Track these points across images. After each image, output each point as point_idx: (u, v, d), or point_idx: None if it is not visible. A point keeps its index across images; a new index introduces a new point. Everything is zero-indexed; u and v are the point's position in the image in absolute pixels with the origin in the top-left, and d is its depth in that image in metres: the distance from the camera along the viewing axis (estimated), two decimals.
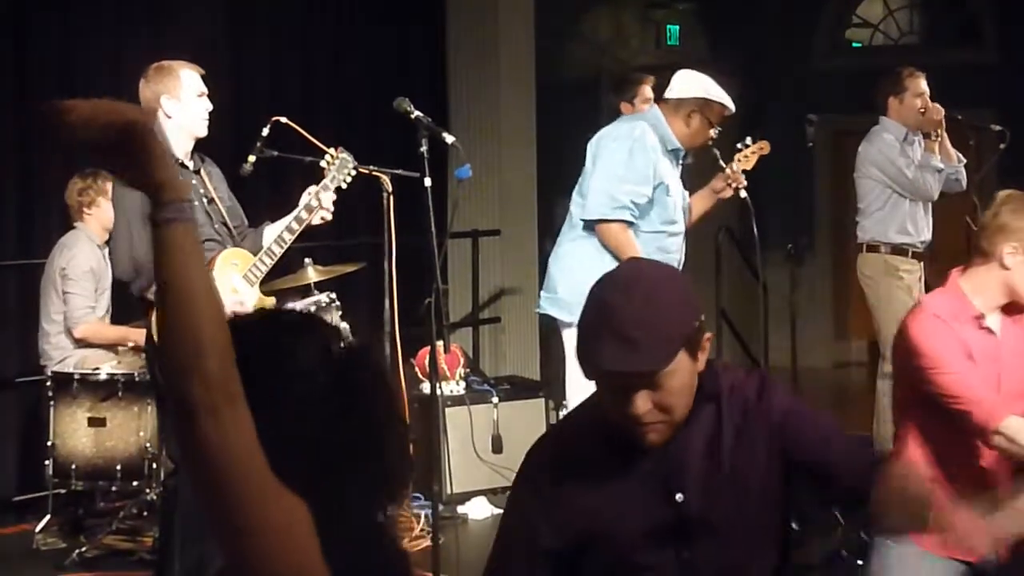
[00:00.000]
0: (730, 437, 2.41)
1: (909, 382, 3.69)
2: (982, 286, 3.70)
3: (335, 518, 1.73)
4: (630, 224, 5.38)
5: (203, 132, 5.07)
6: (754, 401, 2.43)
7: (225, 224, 5.14)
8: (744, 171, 6.20)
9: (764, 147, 6.19)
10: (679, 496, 2.40)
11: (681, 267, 5.48)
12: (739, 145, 6.26)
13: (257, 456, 1.63)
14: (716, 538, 2.39)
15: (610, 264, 5.30)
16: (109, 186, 6.02)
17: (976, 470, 3.68)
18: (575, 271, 5.40)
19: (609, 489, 2.43)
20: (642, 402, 2.32)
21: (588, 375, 2.38)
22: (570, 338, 5.42)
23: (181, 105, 5.00)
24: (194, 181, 5.08)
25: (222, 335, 1.62)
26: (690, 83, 5.53)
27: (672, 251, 5.43)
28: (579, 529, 2.44)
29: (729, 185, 5.76)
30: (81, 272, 6.16)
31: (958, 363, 3.60)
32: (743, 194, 5.76)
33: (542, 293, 5.67)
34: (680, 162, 5.63)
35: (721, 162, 5.78)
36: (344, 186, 5.26)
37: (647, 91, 6.80)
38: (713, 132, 5.55)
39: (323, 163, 5.26)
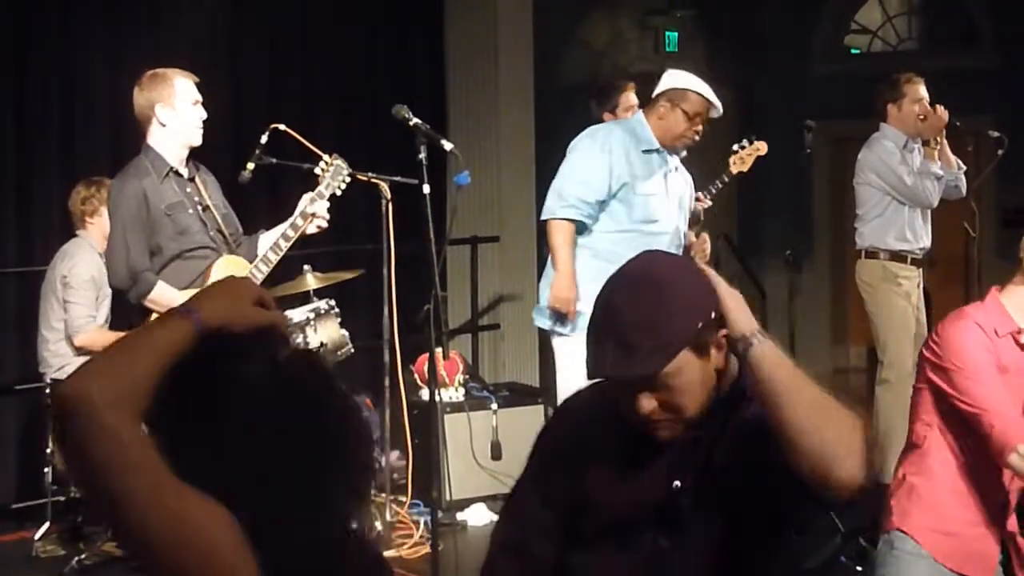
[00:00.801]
0: (737, 442, 2.38)
1: (935, 388, 3.69)
2: (1023, 303, 3.71)
3: (287, 531, 1.69)
4: (583, 225, 5.43)
5: (197, 140, 5.08)
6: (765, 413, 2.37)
7: (220, 231, 5.14)
8: (741, 172, 6.20)
9: (760, 148, 6.17)
10: (676, 483, 2.39)
11: None
12: (735, 147, 6.24)
13: (143, 465, 1.60)
14: (696, 535, 2.38)
15: (586, 270, 5.35)
16: None
17: (999, 483, 3.69)
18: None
19: (611, 460, 2.44)
20: (647, 402, 2.32)
21: (589, 376, 2.38)
22: (559, 345, 5.46)
23: (175, 113, 5.01)
24: (189, 189, 5.09)
25: (132, 368, 1.64)
26: (668, 78, 5.56)
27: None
28: (574, 494, 2.46)
29: (696, 249, 5.76)
30: (82, 280, 6.16)
31: (989, 373, 3.59)
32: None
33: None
34: (667, 161, 5.58)
35: (700, 212, 5.78)
36: (339, 193, 5.27)
37: (631, 98, 6.66)
38: (695, 126, 5.49)
39: (318, 170, 5.27)
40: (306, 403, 1.75)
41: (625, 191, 5.43)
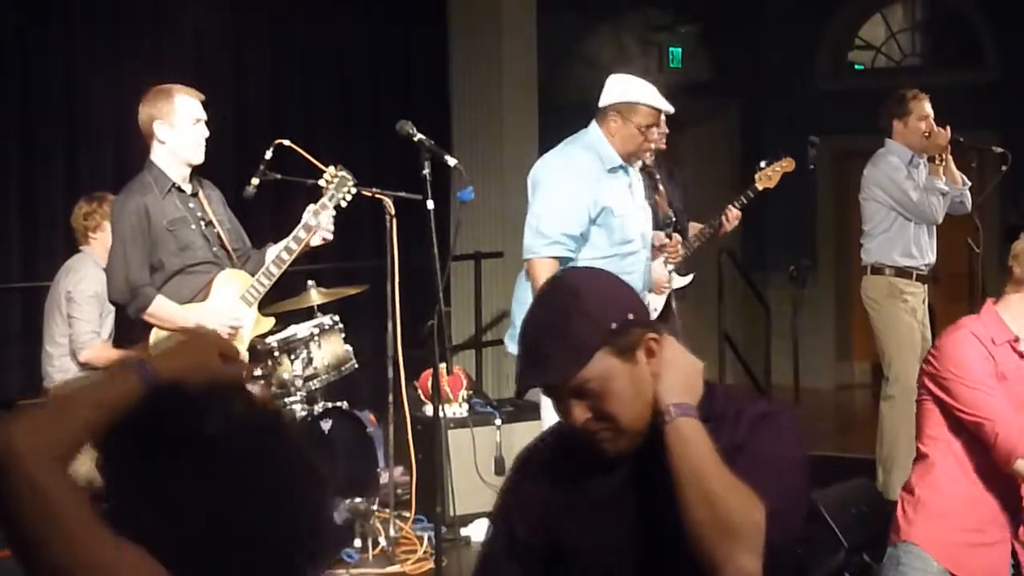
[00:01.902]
0: None
1: (937, 400, 3.71)
2: (1019, 313, 3.71)
3: None
4: (567, 259, 5.19)
5: (197, 159, 5.05)
6: (729, 432, 2.28)
7: (224, 246, 5.14)
8: (767, 189, 6.18)
9: (788, 164, 6.17)
10: (633, 511, 2.32)
11: (645, 284, 5.35)
12: (762, 164, 6.23)
13: (64, 516, 1.60)
14: (653, 562, 2.30)
15: None
16: None
17: (1008, 490, 3.69)
18: (524, 304, 5.37)
19: (574, 492, 2.39)
20: (579, 411, 2.27)
21: (517, 395, 2.39)
22: None
23: (175, 132, 4.99)
24: (192, 204, 5.09)
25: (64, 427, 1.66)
26: (609, 89, 5.34)
27: (630, 272, 5.13)
28: (544, 529, 2.42)
29: (668, 250, 5.73)
30: (87, 296, 6.16)
31: (986, 380, 3.63)
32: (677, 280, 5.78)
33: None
34: (629, 173, 5.39)
35: (669, 213, 5.77)
36: (344, 204, 5.27)
37: None
38: (650, 136, 5.33)
39: (322, 182, 5.27)
40: (264, 465, 1.70)
41: (604, 215, 5.22)
